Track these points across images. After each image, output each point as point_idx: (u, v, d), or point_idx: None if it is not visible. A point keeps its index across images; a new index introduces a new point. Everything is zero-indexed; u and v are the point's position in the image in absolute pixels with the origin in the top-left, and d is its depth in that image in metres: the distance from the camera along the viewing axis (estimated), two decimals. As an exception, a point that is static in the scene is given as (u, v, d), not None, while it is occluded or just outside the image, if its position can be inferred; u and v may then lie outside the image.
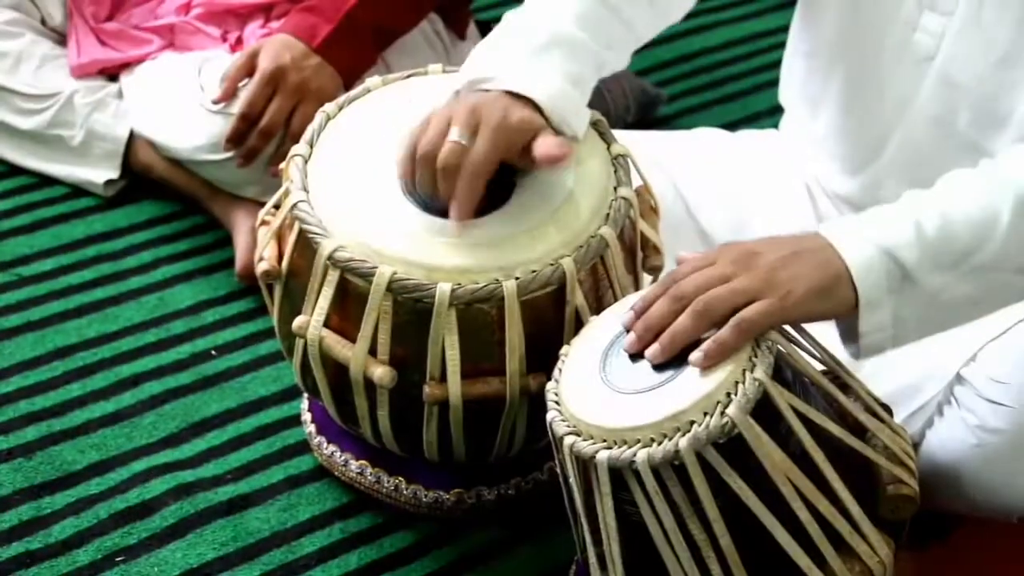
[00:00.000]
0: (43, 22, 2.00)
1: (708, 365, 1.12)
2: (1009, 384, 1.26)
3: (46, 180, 1.93)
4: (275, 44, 1.76)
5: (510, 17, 1.35)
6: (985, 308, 1.21)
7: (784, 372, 1.17)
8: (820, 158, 1.52)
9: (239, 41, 1.90)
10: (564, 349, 1.25)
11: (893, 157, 1.41)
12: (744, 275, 1.13)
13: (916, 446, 1.35)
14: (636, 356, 1.17)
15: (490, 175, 1.24)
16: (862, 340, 1.17)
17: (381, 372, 1.29)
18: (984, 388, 1.29)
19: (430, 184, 1.25)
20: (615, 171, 1.35)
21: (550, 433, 1.20)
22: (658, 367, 1.15)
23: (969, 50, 1.32)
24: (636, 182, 1.38)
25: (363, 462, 1.48)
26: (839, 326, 1.20)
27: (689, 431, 1.11)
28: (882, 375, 1.35)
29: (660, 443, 1.11)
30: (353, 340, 1.30)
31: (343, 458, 1.49)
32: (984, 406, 1.29)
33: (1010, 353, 1.27)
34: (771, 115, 1.61)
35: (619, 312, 1.23)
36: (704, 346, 1.12)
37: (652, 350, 1.15)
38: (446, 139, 1.23)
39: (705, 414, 1.11)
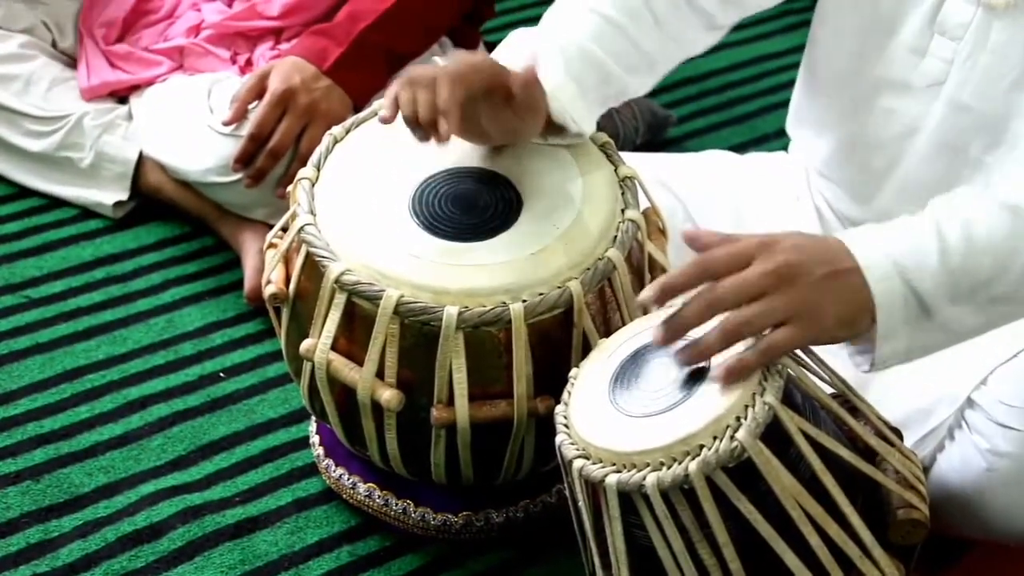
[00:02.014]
0: (54, 44, 2.01)
1: (730, 382, 1.12)
2: (1019, 407, 1.26)
3: (55, 202, 1.94)
4: (285, 66, 1.77)
5: (518, 32, 1.36)
6: (990, 330, 1.21)
7: (794, 396, 1.16)
8: (829, 182, 1.51)
9: (248, 63, 1.90)
10: (573, 372, 1.24)
11: (903, 183, 1.41)
12: (781, 295, 1.12)
13: (927, 470, 1.34)
14: (646, 377, 1.17)
15: (461, 99, 1.24)
16: (874, 366, 1.18)
17: (388, 395, 1.29)
18: (995, 412, 1.28)
19: (411, 103, 1.24)
20: (623, 193, 1.35)
21: (559, 456, 1.20)
22: (668, 388, 1.15)
23: (980, 74, 1.32)
24: (644, 204, 1.38)
25: (371, 485, 1.47)
26: (849, 342, 1.20)
27: (699, 455, 1.10)
28: (892, 399, 1.35)
29: (670, 467, 1.11)
30: (360, 363, 1.30)
31: (351, 481, 1.49)
32: (995, 430, 1.28)
33: (1020, 377, 1.27)
34: (779, 137, 1.61)
35: (628, 336, 1.23)
36: (729, 363, 1.12)
37: (677, 356, 1.15)
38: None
39: (715, 438, 1.11)
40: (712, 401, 1.12)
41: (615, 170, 1.37)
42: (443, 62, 1.28)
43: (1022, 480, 1.28)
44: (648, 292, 1.15)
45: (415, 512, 1.46)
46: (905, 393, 1.36)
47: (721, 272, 1.14)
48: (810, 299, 1.13)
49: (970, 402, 1.31)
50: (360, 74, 1.78)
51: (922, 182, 1.39)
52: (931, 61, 1.35)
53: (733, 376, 1.12)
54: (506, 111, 1.28)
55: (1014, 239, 1.15)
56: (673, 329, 1.15)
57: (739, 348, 1.13)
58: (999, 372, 1.28)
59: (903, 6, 1.36)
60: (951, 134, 1.35)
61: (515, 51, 1.34)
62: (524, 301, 1.26)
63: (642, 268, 1.36)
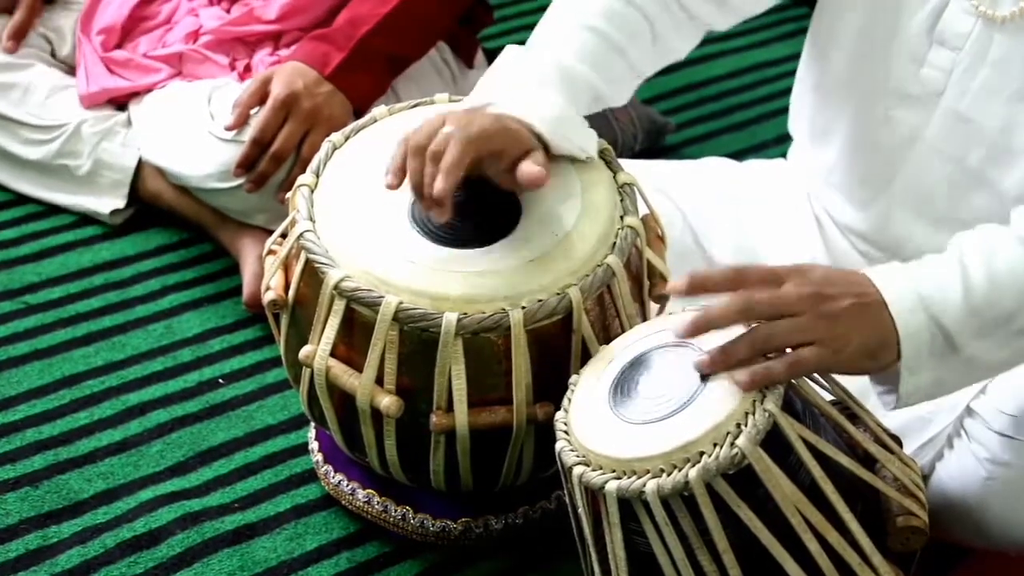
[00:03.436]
0: (53, 54, 2.01)
1: (751, 389, 1.12)
2: (1018, 417, 1.26)
3: (53, 208, 1.94)
4: (287, 71, 1.77)
5: (512, 49, 1.36)
6: (1014, 366, 1.23)
7: (794, 403, 1.16)
8: (828, 190, 1.52)
9: (248, 69, 1.90)
10: (573, 379, 1.24)
11: (902, 191, 1.41)
12: (811, 317, 1.14)
13: (926, 478, 1.34)
14: (646, 384, 1.17)
15: (468, 165, 1.24)
16: (900, 401, 1.19)
17: (388, 401, 1.29)
18: (994, 421, 1.28)
19: (418, 174, 1.25)
20: (621, 200, 1.35)
21: (559, 463, 1.20)
22: (669, 395, 1.15)
23: (980, 85, 1.32)
24: (643, 211, 1.38)
25: (370, 491, 1.47)
26: (874, 377, 1.21)
27: (699, 462, 1.10)
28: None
29: (670, 474, 1.11)
30: (360, 369, 1.30)
31: (350, 487, 1.49)
32: (994, 439, 1.29)
33: (1019, 386, 1.27)
34: (778, 144, 1.61)
35: (628, 342, 1.23)
36: (755, 369, 1.13)
37: (700, 360, 1.15)
38: (439, 132, 1.25)
39: (715, 445, 1.11)
40: (712, 408, 1.12)
41: (614, 177, 1.37)
42: (451, 110, 1.28)
43: (1020, 489, 1.28)
44: (681, 281, 1.17)
45: (414, 518, 1.46)
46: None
47: (755, 282, 1.16)
48: (838, 325, 1.15)
49: (969, 411, 1.31)
50: (362, 79, 1.79)
51: (921, 190, 1.39)
52: (930, 71, 1.35)
53: (756, 384, 1.12)
54: (509, 174, 1.27)
55: None
56: (700, 324, 1.16)
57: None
58: (998, 381, 1.29)
59: (903, 14, 1.36)
60: (950, 144, 1.35)
61: (507, 89, 1.32)
62: (523, 307, 1.26)
63: (641, 275, 1.37)
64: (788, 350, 1.15)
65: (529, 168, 1.25)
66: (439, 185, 1.23)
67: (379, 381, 1.29)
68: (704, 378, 1.15)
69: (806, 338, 1.14)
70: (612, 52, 1.35)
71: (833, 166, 1.49)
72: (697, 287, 1.17)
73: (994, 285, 1.16)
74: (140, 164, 1.88)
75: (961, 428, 1.33)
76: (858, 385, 1.26)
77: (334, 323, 1.30)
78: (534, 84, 1.31)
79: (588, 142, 1.34)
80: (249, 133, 1.75)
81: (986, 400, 1.29)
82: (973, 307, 1.16)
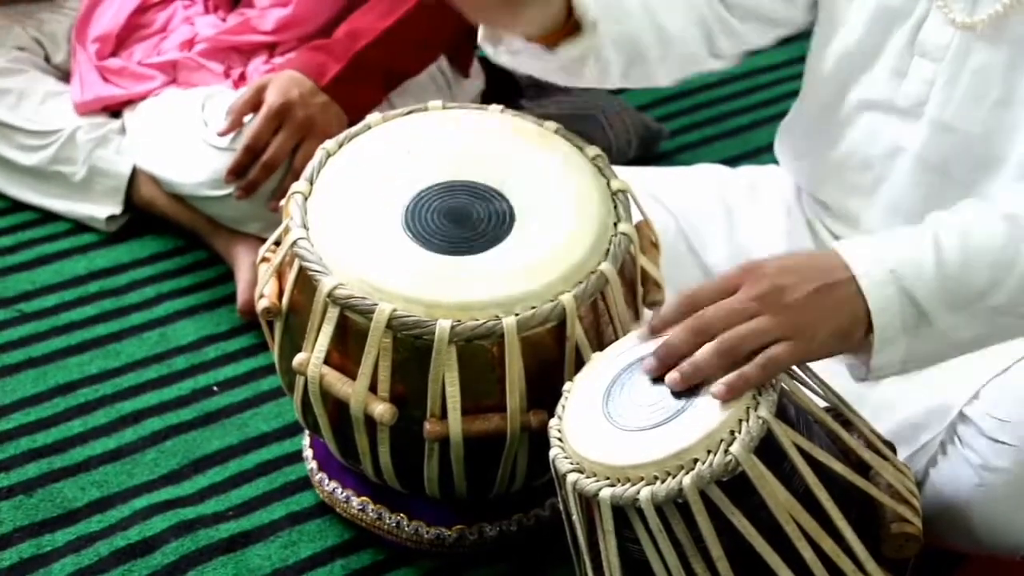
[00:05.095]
0: (47, 60, 2.01)
1: (730, 398, 1.12)
2: (1011, 422, 1.26)
3: (48, 216, 1.94)
4: (283, 80, 1.77)
5: None
6: (990, 344, 1.21)
7: (788, 409, 1.16)
8: (816, 204, 1.52)
9: (242, 77, 1.90)
10: (567, 386, 1.24)
11: (888, 203, 1.42)
12: (771, 315, 1.13)
13: (920, 484, 1.34)
14: (640, 391, 1.17)
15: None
16: (871, 373, 1.18)
17: (382, 409, 1.29)
18: (986, 426, 1.28)
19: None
20: (615, 207, 1.35)
21: (553, 470, 1.20)
22: (662, 402, 1.15)
23: (962, 95, 1.32)
24: (636, 217, 1.38)
25: (365, 498, 1.47)
26: (847, 354, 1.20)
27: (693, 469, 1.10)
28: (885, 413, 1.35)
29: (664, 481, 1.11)
30: (353, 377, 1.30)
31: (345, 494, 1.49)
32: (986, 444, 1.29)
33: (1012, 391, 1.27)
34: (771, 150, 1.61)
35: (621, 350, 1.23)
36: (728, 378, 1.12)
37: (672, 377, 1.14)
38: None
39: (709, 452, 1.11)
40: (706, 415, 1.12)
41: (607, 184, 1.37)
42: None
43: (1013, 494, 1.28)
44: (642, 331, 1.19)
45: (409, 526, 1.46)
46: (898, 407, 1.36)
47: (706, 300, 1.15)
48: (801, 316, 1.13)
49: (962, 416, 1.31)
50: (358, 91, 1.79)
51: (907, 202, 1.39)
52: (912, 82, 1.35)
53: (734, 392, 1.12)
54: None
55: (1012, 247, 1.16)
56: (663, 357, 1.15)
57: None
58: (991, 386, 1.29)
59: (885, 28, 1.36)
60: (935, 154, 1.36)
61: None
62: (517, 315, 1.26)
63: (635, 281, 1.37)
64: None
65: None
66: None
67: (373, 389, 1.29)
68: (698, 385, 1.15)
69: (772, 336, 1.13)
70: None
71: (820, 178, 1.49)
72: (658, 329, 1.17)
73: (967, 258, 1.15)
74: (134, 171, 1.88)
75: (954, 434, 1.33)
76: (852, 392, 1.26)
77: (328, 331, 1.30)
78: None
79: None
80: (242, 140, 1.75)
81: (979, 405, 1.29)
82: (946, 280, 1.15)
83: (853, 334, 1.15)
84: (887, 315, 1.15)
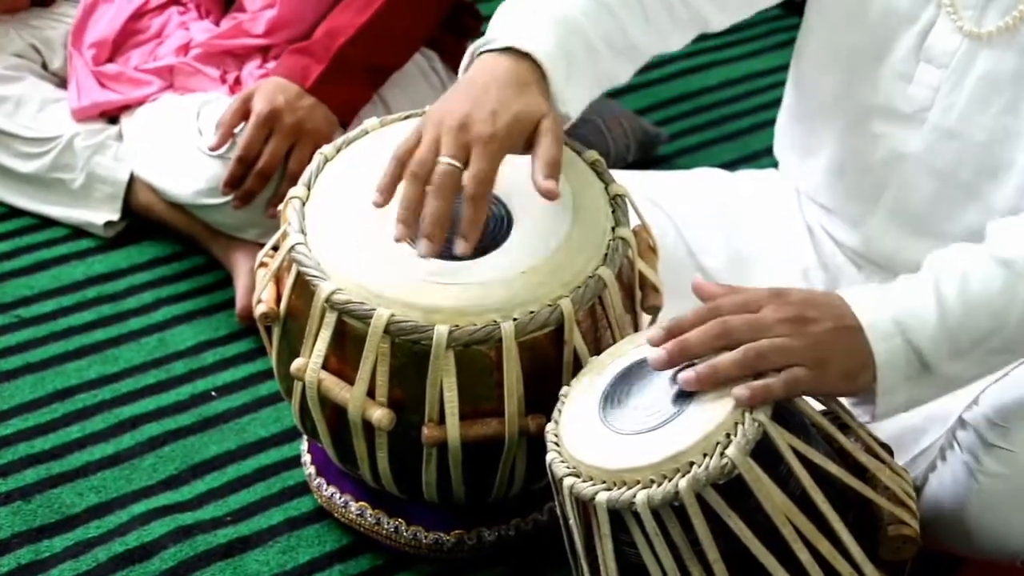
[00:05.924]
0: (44, 66, 2.01)
1: (749, 404, 1.12)
2: (1009, 428, 1.26)
3: (46, 222, 1.94)
4: (268, 87, 1.77)
5: (509, 1, 1.34)
6: (986, 376, 1.24)
7: (784, 413, 1.16)
8: (819, 208, 1.52)
9: (238, 81, 1.90)
10: (564, 390, 1.24)
11: (893, 207, 1.42)
12: (794, 340, 1.15)
13: (919, 489, 1.34)
14: (636, 395, 1.17)
15: (492, 186, 1.22)
16: (874, 419, 1.20)
17: (380, 414, 1.29)
18: (985, 432, 1.28)
19: (415, 201, 1.22)
20: (613, 211, 1.35)
21: (550, 474, 1.20)
22: (659, 406, 1.15)
23: (967, 101, 1.32)
24: (635, 222, 1.38)
25: (363, 504, 1.47)
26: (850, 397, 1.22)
27: (689, 472, 1.10)
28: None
29: (660, 484, 1.11)
30: (351, 382, 1.29)
31: (343, 499, 1.49)
32: (985, 450, 1.28)
33: (1010, 397, 1.27)
34: (770, 154, 1.61)
35: (618, 354, 1.23)
36: (755, 385, 1.12)
37: (687, 376, 1.14)
38: (438, 159, 1.22)
39: (705, 455, 1.11)
40: (702, 418, 1.12)
41: (605, 188, 1.37)
42: (439, 120, 1.23)
43: (1010, 499, 1.28)
44: (656, 332, 1.17)
45: (407, 531, 1.46)
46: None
47: (731, 311, 1.16)
48: (821, 350, 1.15)
49: (961, 422, 1.31)
50: (342, 89, 1.79)
51: (912, 206, 1.40)
52: (917, 88, 1.35)
53: (755, 400, 1.12)
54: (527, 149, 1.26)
55: (1009, 293, 1.17)
56: (674, 353, 1.15)
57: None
58: (989, 392, 1.29)
59: (891, 32, 1.36)
60: (939, 159, 1.36)
61: (506, 23, 1.30)
62: (515, 319, 1.26)
63: (633, 286, 1.37)
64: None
65: (545, 185, 1.22)
66: (473, 240, 1.21)
67: (371, 394, 1.29)
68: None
69: (795, 359, 1.14)
70: (605, 12, 1.32)
71: (823, 183, 1.49)
72: (674, 333, 1.17)
73: (968, 308, 1.17)
74: (132, 177, 1.88)
75: (953, 439, 1.33)
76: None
77: (325, 336, 1.30)
78: (534, 20, 1.28)
79: (572, 98, 1.29)
80: (234, 151, 1.75)
81: (978, 411, 1.29)
82: (948, 331, 1.17)
83: (858, 378, 1.17)
84: (893, 366, 1.17)
